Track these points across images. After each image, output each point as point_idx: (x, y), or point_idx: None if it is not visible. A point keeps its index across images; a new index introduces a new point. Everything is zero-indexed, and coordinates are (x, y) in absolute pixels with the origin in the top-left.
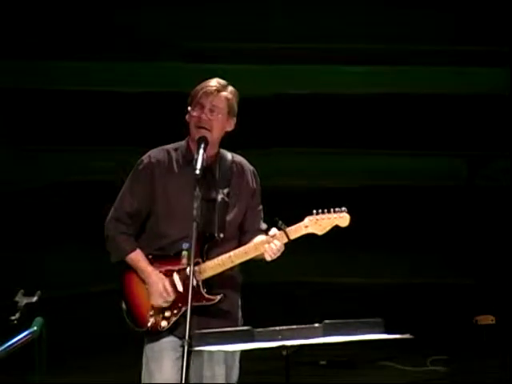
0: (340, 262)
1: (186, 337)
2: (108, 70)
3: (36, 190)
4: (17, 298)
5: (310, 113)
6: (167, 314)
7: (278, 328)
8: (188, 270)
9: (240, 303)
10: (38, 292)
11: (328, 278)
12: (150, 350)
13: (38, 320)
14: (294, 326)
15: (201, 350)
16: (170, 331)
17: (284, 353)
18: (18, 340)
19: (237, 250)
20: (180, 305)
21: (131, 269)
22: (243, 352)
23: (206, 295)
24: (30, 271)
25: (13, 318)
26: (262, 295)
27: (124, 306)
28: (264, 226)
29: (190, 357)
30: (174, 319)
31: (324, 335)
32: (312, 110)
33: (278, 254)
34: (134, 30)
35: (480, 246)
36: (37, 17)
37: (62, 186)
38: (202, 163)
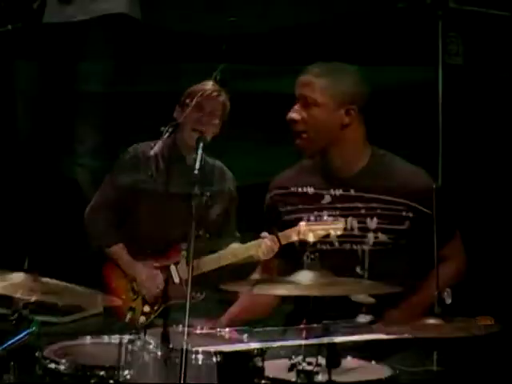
0: None
1: (185, 336)
2: (108, 70)
3: (36, 189)
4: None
5: None
6: (147, 309)
7: (276, 328)
8: (179, 266)
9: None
10: None
11: None
12: None
13: (37, 320)
14: (293, 327)
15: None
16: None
17: (282, 353)
18: (16, 340)
19: (232, 249)
20: (161, 301)
21: (110, 261)
22: None
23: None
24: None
25: (11, 318)
26: None
27: None
28: (237, 234)
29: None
30: (152, 316)
31: (323, 335)
32: None
33: (271, 255)
34: None
35: (479, 247)
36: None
37: (62, 185)
38: (201, 163)
